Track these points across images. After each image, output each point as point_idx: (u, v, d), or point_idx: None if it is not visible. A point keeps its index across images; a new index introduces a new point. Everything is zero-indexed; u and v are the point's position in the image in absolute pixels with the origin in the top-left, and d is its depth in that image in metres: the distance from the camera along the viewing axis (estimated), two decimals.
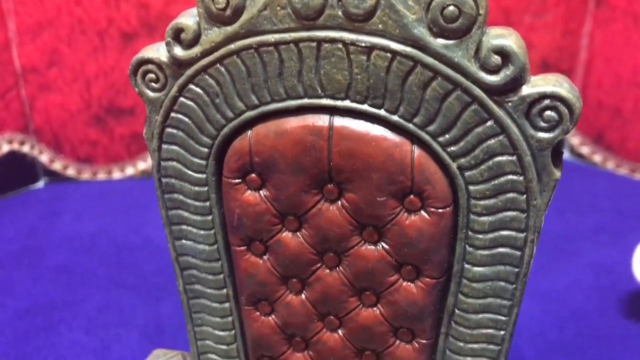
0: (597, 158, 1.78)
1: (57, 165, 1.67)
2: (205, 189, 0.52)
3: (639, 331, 1.23)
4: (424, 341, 0.53)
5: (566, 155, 1.81)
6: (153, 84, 0.48)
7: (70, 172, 1.68)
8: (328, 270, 0.52)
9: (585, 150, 1.79)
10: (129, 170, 1.69)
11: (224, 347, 0.60)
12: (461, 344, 0.52)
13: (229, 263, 0.55)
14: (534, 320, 1.26)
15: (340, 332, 0.55)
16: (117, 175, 1.69)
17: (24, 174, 1.64)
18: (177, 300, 1.29)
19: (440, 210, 0.46)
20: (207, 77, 0.46)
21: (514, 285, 0.49)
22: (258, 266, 0.53)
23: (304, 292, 0.54)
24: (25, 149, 1.62)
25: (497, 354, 0.52)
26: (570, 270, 1.39)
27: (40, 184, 1.67)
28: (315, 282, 0.52)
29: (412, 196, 0.46)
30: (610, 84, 1.65)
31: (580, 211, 1.60)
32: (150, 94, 0.49)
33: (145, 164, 1.68)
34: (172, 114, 0.49)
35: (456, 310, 0.51)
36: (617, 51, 1.63)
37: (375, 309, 0.52)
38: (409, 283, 0.50)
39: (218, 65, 0.46)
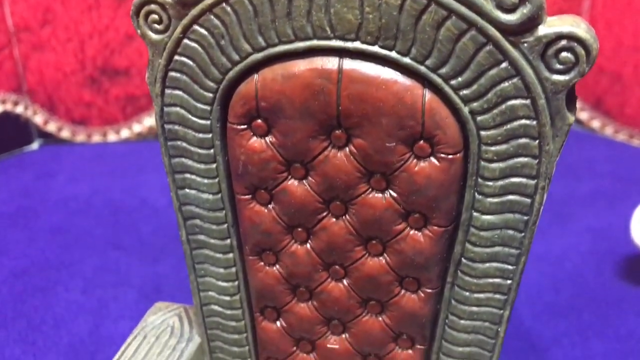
0: (596, 124, 1.77)
1: (51, 127, 1.65)
2: (210, 135, 0.51)
3: (635, 294, 1.24)
4: (430, 290, 0.53)
5: None
6: (156, 25, 0.47)
7: (65, 133, 1.66)
8: (334, 219, 0.51)
9: (583, 116, 1.78)
10: (124, 133, 1.68)
11: (227, 298, 0.60)
12: (467, 294, 0.52)
13: (233, 212, 0.55)
14: (530, 282, 1.26)
15: (345, 282, 0.54)
16: (112, 137, 1.67)
17: (18, 135, 1.62)
18: (175, 260, 1.29)
19: (451, 157, 0.46)
20: (212, 17, 0.45)
21: (523, 234, 0.48)
22: (263, 215, 0.53)
23: (309, 241, 0.53)
24: (19, 109, 1.60)
25: (503, 304, 0.52)
26: (567, 233, 1.40)
27: (35, 145, 1.66)
28: (320, 231, 0.52)
29: (422, 142, 0.45)
30: (610, 49, 1.64)
31: (578, 176, 1.60)
32: (153, 36, 0.47)
33: (140, 126, 1.67)
34: (176, 57, 0.48)
35: (463, 259, 0.51)
36: (618, 15, 1.61)
37: (381, 258, 0.52)
38: (416, 232, 0.50)
39: (224, 4, 0.44)
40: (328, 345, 0.58)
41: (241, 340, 0.62)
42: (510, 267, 0.50)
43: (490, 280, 0.51)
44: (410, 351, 0.57)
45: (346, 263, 0.53)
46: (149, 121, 1.65)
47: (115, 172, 1.59)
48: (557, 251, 1.35)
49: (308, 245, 0.53)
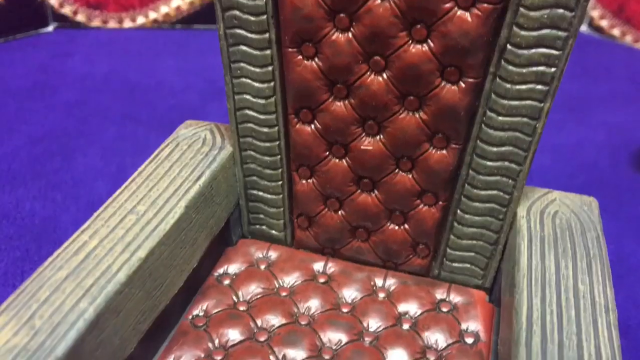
0: (616, 32, 1.75)
1: (66, 10, 1.62)
2: None
3: None
4: (471, 80, 0.52)
5: (584, 28, 1.78)
6: None
7: (80, 17, 1.64)
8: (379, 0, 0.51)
9: (604, 23, 1.75)
10: (140, 20, 1.65)
11: (261, 101, 0.59)
12: (508, 86, 0.52)
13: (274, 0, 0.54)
14: (545, 170, 1.27)
15: (385, 74, 0.54)
16: (128, 24, 1.65)
17: (33, 17, 1.60)
18: None
19: None
20: None
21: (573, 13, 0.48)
22: None
23: (352, 28, 0.53)
24: None
25: (544, 96, 0.51)
26: (582, 127, 1.40)
27: (50, 28, 1.64)
28: (365, 15, 0.51)
29: None
30: None
31: (596, 78, 1.59)
32: None
33: (156, 13, 1.64)
34: None
35: (508, 46, 0.50)
36: None
37: (424, 45, 0.52)
38: (464, 11, 0.49)
39: None
40: (362, 147, 0.59)
41: (273, 148, 0.62)
42: (556, 52, 0.49)
43: (534, 68, 0.50)
44: (444, 151, 0.57)
45: (388, 52, 0.53)
46: (164, 8, 1.63)
47: (131, 55, 1.58)
48: (573, 142, 1.35)
49: (350, 34, 0.53)
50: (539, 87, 0.51)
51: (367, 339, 0.59)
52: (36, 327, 0.45)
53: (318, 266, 0.66)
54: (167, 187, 0.58)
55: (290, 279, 0.65)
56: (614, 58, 1.68)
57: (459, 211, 0.60)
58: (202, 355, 0.57)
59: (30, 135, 1.26)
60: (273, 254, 0.68)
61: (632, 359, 0.91)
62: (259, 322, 0.60)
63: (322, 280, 0.65)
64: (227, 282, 0.64)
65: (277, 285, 0.64)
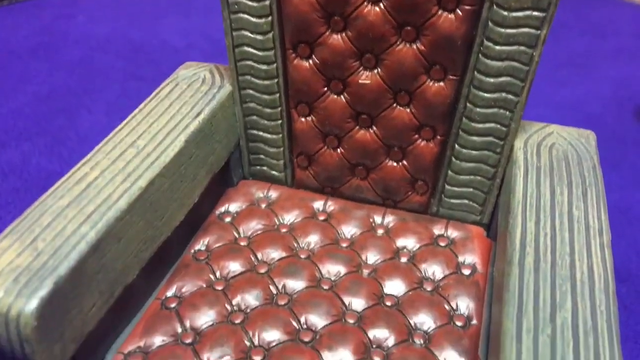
0: None
1: None
2: None
3: None
4: (468, 7, 0.52)
5: None
6: None
7: None
8: None
9: None
10: None
11: (260, 37, 0.60)
12: (505, 13, 0.52)
13: None
14: (550, 122, 1.26)
15: (382, 4, 0.54)
16: None
17: None
18: None
19: None
20: None
21: None
22: None
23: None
24: None
25: (541, 22, 0.51)
26: (588, 82, 1.39)
27: None
28: None
29: None
30: None
31: (602, 34, 1.57)
32: None
33: None
34: None
35: None
36: None
37: None
38: None
39: None
40: (360, 81, 0.59)
41: (272, 86, 0.63)
42: None
43: None
44: (442, 83, 0.57)
45: None
46: None
47: (134, 17, 1.57)
48: (579, 96, 1.34)
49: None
50: (536, 13, 0.51)
51: (366, 271, 0.60)
52: (39, 249, 0.46)
53: (318, 205, 0.67)
54: (167, 123, 0.59)
55: (290, 217, 0.66)
56: (621, 15, 1.66)
57: (456, 146, 0.61)
58: (204, 286, 0.58)
59: (35, 93, 1.27)
60: (273, 194, 0.68)
61: (633, 304, 0.92)
62: (259, 256, 0.61)
63: (321, 218, 0.66)
64: (228, 219, 0.65)
65: (277, 223, 0.65)
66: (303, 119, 0.64)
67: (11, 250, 0.46)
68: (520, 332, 0.41)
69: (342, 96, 0.61)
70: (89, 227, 0.47)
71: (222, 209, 0.66)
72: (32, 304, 0.42)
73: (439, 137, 0.61)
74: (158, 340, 0.53)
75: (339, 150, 0.65)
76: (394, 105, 0.60)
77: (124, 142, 0.57)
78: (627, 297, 0.92)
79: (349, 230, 0.64)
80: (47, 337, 0.43)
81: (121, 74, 1.35)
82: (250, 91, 0.64)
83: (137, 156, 0.55)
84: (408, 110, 0.60)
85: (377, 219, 0.65)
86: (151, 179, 0.53)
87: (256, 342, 0.53)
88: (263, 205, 0.67)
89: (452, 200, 0.65)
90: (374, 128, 0.62)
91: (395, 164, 0.64)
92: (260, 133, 0.67)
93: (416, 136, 0.61)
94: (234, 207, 0.67)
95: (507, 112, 0.57)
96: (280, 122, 0.65)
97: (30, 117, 1.21)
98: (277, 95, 0.63)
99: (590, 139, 0.60)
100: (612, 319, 0.42)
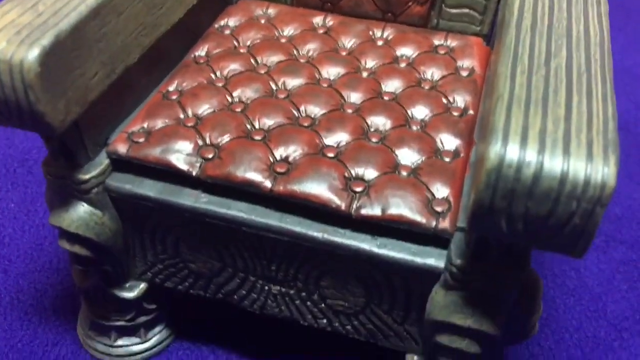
0: None
1: None
2: None
3: None
4: None
5: None
6: None
7: None
8: None
9: None
10: None
11: None
12: None
13: None
14: None
15: None
16: None
17: None
18: None
19: None
20: None
21: None
22: None
23: None
24: None
25: None
26: None
27: None
28: None
29: None
30: None
31: None
32: None
33: None
34: None
35: None
36: None
37: None
38: None
39: None
40: None
41: None
42: None
43: None
44: None
45: None
46: None
47: None
48: None
49: None
50: None
51: (364, 73, 0.60)
52: (40, 11, 0.46)
53: (317, 20, 0.67)
54: None
55: (290, 29, 0.66)
56: None
57: None
58: (205, 82, 0.58)
59: None
60: (272, 11, 0.68)
61: (632, 155, 0.93)
62: (259, 60, 0.61)
63: (321, 31, 0.66)
64: (227, 31, 0.65)
65: (276, 34, 0.65)
66: None
67: (13, 12, 0.46)
68: (514, 74, 0.42)
69: None
70: None
71: (222, 23, 0.66)
72: (35, 51, 0.43)
73: None
74: (160, 123, 0.54)
75: None
76: None
77: None
78: (626, 148, 0.93)
79: (348, 40, 0.64)
80: (50, 87, 0.44)
81: None
82: None
83: None
84: None
85: (377, 32, 0.65)
86: None
87: (257, 126, 0.54)
88: (262, 21, 0.67)
89: (452, 11, 0.64)
90: None
91: None
92: None
93: None
94: (233, 21, 0.67)
95: None
96: None
97: None
98: None
99: None
100: (606, 66, 0.43)
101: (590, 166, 0.35)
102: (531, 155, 0.35)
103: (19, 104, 0.44)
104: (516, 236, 0.38)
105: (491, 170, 0.36)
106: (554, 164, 0.35)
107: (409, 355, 0.55)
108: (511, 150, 0.36)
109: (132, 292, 0.60)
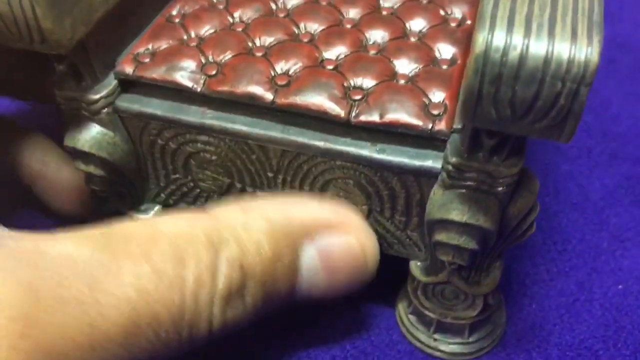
0: None
1: None
2: None
3: None
4: None
5: None
6: None
7: None
8: None
9: None
10: None
11: None
12: None
13: None
14: None
15: None
16: None
17: None
18: None
19: None
20: None
21: None
22: None
23: None
24: None
25: None
26: None
27: None
28: None
29: None
30: None
31: None
32: None
33: None
34: None
35: None
36: None
37: None
38: None
39: None
40: None
41: None
42: None
43: None
44: None
45: None
46: None
47: None
48: None
49: None
50: None
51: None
52: None
53: None
54: None
55: None
56: None
57: None
58: (207, 5, 0.60)
59: None
60: None
61: (637, 75, 0.93)
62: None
63: None
64: None
65: None
66: None
67: None
68: None
69: None
70: None
71: None
72: None
73: None
74: (165, 44, 0.56)
75: None
76: None
77: None
78: (630, 64, 0.93)
79: None
80: (56, 4, 0.46)
81: None
82: None
83: None
84: None
85: None
86: None
87: (257, 43, 0.56)
88: None
89: None
90: None
91: None
92: None
93: None
94: None
95: None
96: None
97: None
98: None
99: None
100: None
101: (575, 47, 0.36)
102: (517, 39, 0.37)
103: (27, 22, 0.46)
104: (505, 123, 0.40)
105: (479, 55, 0.37)
106: (539, 46, 0.36)
107: (412, 262, 0.57)
108: (498, 35, 0.37)
109: (147, 214, 0.63)
